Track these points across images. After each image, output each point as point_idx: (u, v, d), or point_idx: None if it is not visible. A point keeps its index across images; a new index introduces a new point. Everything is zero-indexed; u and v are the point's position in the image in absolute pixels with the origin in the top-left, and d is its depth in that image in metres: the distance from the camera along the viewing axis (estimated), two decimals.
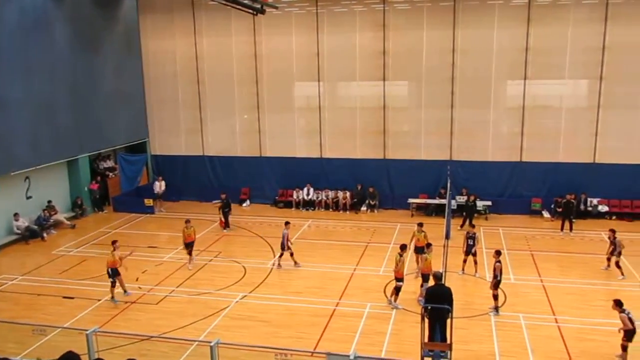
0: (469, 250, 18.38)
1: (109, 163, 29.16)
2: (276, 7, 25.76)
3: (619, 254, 18.14)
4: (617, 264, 18.12)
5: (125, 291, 17.06)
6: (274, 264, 19.78)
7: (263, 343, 13.66)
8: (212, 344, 9.62)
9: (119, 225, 25.18)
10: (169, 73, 29.27)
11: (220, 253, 21.15)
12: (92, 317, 15.66)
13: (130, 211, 26.95)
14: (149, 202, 27.01)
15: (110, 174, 28.75)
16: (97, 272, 18.99)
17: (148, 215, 26.73)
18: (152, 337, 13.54)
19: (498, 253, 15.88)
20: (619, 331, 12.93)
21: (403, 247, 16.45)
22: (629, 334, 12.81)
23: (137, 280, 18.41)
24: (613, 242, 18.30)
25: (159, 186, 27.88)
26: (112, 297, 16.74)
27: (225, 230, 23.95)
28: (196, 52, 28.60)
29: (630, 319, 12.73)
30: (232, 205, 25.24)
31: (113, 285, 16.77)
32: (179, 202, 28.85)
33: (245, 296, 17.08)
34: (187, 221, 19.87)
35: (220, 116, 29.18)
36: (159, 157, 30.34)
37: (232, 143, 29.20)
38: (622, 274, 18.00)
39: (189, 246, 19.60)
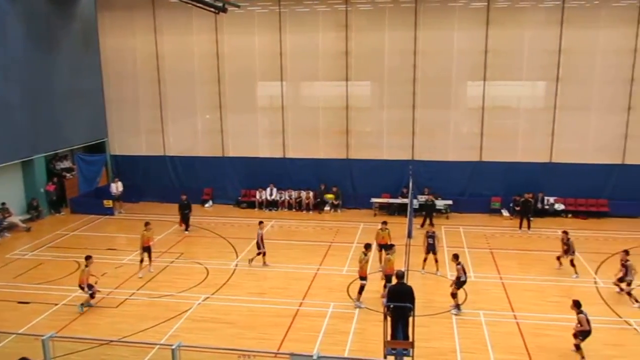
0: (430, 249, 18.62)
1: (66, 163, 28.46)
2: (238, 6, 25.58)
3: (573, 252, 18.58)
4: (572, 263, 18.56)
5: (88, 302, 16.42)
6: (251, 260, 19.66)
7: (226, 345, 13.57)
8: (173, 347, 9.50)
9: (77, 228, 24.61)
10: (129, 71, 28.74)
11: (182, 254, 20.90)
12: (48, 322, 15.26)
13: (88, 213, 26.35)
14: (108, 203, 26.48)
15: (68, 174, 28.06)
16: (54, 276, 18.59)
17: (107, 216, 26.20)
18: (111, 341, 13.28)
19: (456, 257, 16.20)
20: (575, 330, 13.15)
21: (367, 247, 16.61)
22: (584, 334, 13.06)
23: (95, 283, 17.95)
24: (567, 243, 18.73)
25: (116, 187, 27.31)
26: (82, 304, 16.16)
27: (186, 232, 23.62)
28: (157, 50, 28.17)
29: (587, 320, 13.00)
30: (195, 206, 24.96)
31: (92, 296, 16.26)
32: (140, 203, 28.39)
33: (207, 298, 16.91)
34: (147, 224, 19.42)
35: (182, 116, 28.81)
36: (118, 157, 29.75)
37: (194, 143, 28.87)
38: (576, 272, 18.46)
39: (147, 250, 18.96)
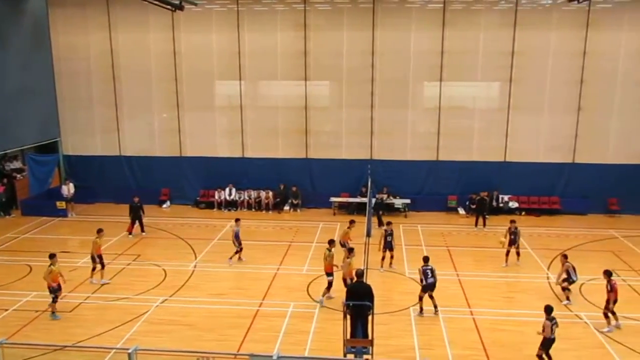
0: (387, 246, 18.89)
1: (17, 164, 27.59)
2: (195, 4, 25.28)
3: (518, 245, 19.14)
4: (517, 253, 19.20)
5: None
6: (231, 258, 19.79)
7: (185, 347, 13.44)
8: (130, 351, 9.32)
9: (28, 230, 23.89)
10: (83, 69, 28.03)
11: (139, 256, 20.54)
12: None
13: (40, 215, 25.61)
14: (61, 204, 25.80)
15: (18, 175, 27.21)
16: (4, 281, 18.04)
17: (60, 218, 25.53)
18: (65, 346, 12.93)
19: (425, 259, 15.98)
20: (539, 333, 13.09)
21: (331, 242, 16.76)
22: (547, 342, 12.91)
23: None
24: (513, 232, 19.22)
25: (67, 189, 26.60)
26: (53, 312, 15.55)
27: (130, 236, 22.94)
28: (111, 48, 27.58)
29: (552, 328, 12.82)
30: (152, 206, 24.56)
31: (54, 300, 15.52)
32: (95, 205, 27.77)
33: (165, 300, 16.68)
34: (99, 230, 18.43)
35: (138, 115, 28.28)
36: (72, 157, 28.97)
37: (150, 143, 28.39)
38: (518, 260, 19.28)
39: (99, 258, 17.98)
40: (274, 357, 9.01)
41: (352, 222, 19.69)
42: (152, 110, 28.13)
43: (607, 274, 14.96)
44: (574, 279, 16.53)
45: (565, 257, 16.91)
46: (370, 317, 12.21)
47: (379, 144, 26.91)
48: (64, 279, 16.13)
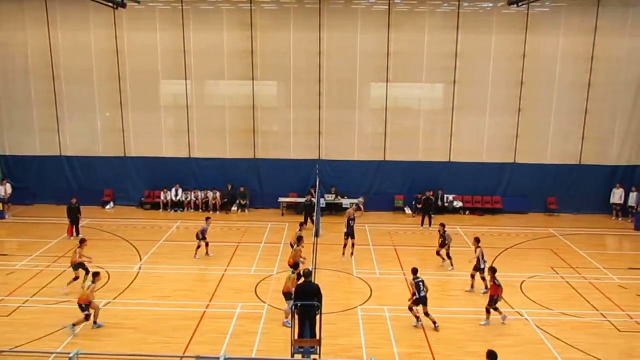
0: (349, 232, 19.75)
1: None
2: (138, 2, 24.76)
3: (449, 246, 19.48)
4: (448, 255, 19.49)
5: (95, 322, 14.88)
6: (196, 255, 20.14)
7: (130, 351, 13.15)
8: (71, 355, 9.03)
9: None
10: (20, 67, 26.94)
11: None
12: None
13: None
14: None
15: None
16: None
17: None
18: (2, 352, 12.42)
19: (415, 271, 15.43)
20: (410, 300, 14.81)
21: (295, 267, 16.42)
22: (417, 300, 14.75)
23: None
24: (443, 235, 19.61)
25: (4, 190, 25.61)
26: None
27: (72, 238, 22.18)
28: (50, 45, 26.62)
29: (419, 287, 14.78)
30: (95, 208, 23.89)
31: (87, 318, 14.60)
32: (34, 206, 26.81)
33: (109, 303, 16.25)
34: (82, 241, 17.66)
35: (80, 114, 27.41)
36: (9, 157, 27.84)
37: (93, 143, 27.58)
38: (452, 265, 19.47)
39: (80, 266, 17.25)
40: (221, 359, 8.92)
41: (302, 224, 19.68)
42: (95, 110, 27.31)
43: (492, 270, 15.40)
44: (482, 266, 17.12)
45: (477, 240, 17.47)
46: (318, 317, 12.24)
47: (327, 144, 27.03)
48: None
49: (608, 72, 25.81)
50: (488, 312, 15.23)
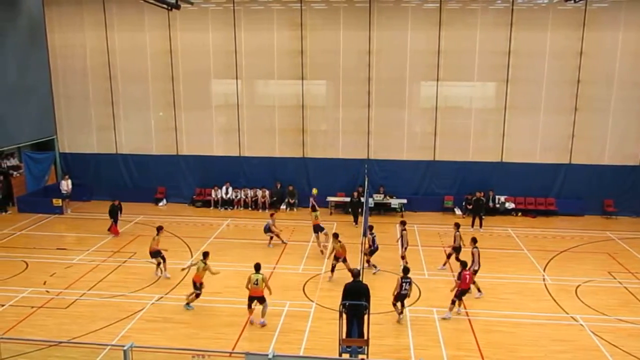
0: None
1: (13, 161, 27.55)
2: (191, 3, 25.27)
3: (460, 247, 18.94)
4: (457, 258, 18.61)
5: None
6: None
7: (180, 345, 13.44)
8: (125, 348, 9.33)
9: (24, 227, 23.84)
10: (79, 68, 27.99)
11: (135, 254, 20.49)
12: None
13: (36, 212, 25.58)
14: (57, 202, 25.77)
15: (15, 172, 27.17)
16: (0, 277, 17.95)
17: (56, 215, 25.50)
18: (60, 342, 12.92)
19: (405, 270, 15.62)
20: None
21: (336, 236, 18.35)
22: (399, 296, 15.07)
23: (44, 283, 17.54)
24: (455, 235, 19.16)
25: (66, 185, 26.60)
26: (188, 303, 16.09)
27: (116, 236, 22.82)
28: (107, 46, 27.52)
29: (402, 286, 14.95)
30: (148, 205, 24.51)
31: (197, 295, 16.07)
32: (90, 202, 27.72)
33: (161, 298, 16.66)
34: (159, 228, 18.81)
35: (135, 113, 28.23)
36: (68, 155, 28.92)
37: (147, 141, 28.33)
38: (446, 265, 19.17)
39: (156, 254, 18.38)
40: (269, 356, 9.01)
41: (335, 235, 19.12)
42: (149, 109, 28.07)
43: (463, 264, 15.73)
44: (476, 268, 16.73)
45: (474, 240, 17.11)
46: (366, 317, 12.21)
47: (375, 144, 26.90)
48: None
49: None
50: (453, 303, 15.45)
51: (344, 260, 17.97)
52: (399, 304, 15.33)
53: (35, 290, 16.77)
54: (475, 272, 16.75)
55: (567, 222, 25.19)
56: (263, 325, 14.84)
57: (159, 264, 18.38)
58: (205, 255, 16.13)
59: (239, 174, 27.69)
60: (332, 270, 18.17)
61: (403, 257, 18.99)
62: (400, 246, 19.31)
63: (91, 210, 26.45)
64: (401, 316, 15.33)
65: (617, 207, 25.79)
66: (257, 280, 14.90)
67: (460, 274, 15.49)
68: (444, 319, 15.35)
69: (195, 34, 26.95)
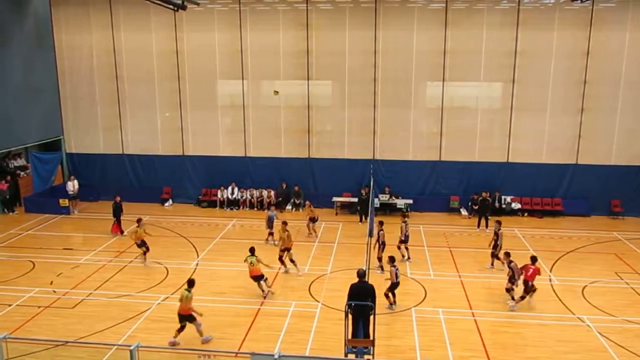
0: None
1: (20, 161, 27.66)
2: (197, 4, 25.31)
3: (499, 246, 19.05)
4: (496, 255, 19.01)
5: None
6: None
7: (186, 345, 13.46)
8: (131, 348, 9.35)
9: (31, 227, 23.95)
10: (85, 68, 28.10)
11: (141, 254, 20.52)
12: (1, 322, 14.81)
13: (43, 212, 25.69)
14: (64, 202, 25.86)
15: (22, 173, 27.29)
16: (7, 277, 18.06)
17: (63, 216, 25.60)
18: (67, 342, 12.96)
19: (392, 259, 16.15)
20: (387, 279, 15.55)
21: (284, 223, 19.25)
22: (393, 286, 15.56)
23: (51, 283, 17.61)
24: (497, 232, 19.23)
25: (72, 185, 26.68)
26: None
27: (124, 235, 22.79)
28: (114, 47, 27.62)
29: (396, 274, 15.54)
30: (154, 205, 24.56)
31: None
32: (97, 202, 27.81)
33: (167, 298, 16.69)
34: (139, 220, 20.09)
35: (141, 113, 28.31)
36: (74, 155, 29.04)
37: (153, 141, 28.41)
38: (492, 263, 19.25)
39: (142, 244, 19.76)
40: (275, 356, 9.02)
41: (284, 223, 19.60)
42: (155, 109, 28.15)
43: (532, 259, 16.33)
44: (517, 279, 16.21)
45: (507, 254, 16.74)
46: (371, 317, 12.20)
47: (381, 144, 26.88)
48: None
49: None
50: (387, 296, 15.95)
51: (288, 250, 18.61)
52: (391, 295, 15.80)
53: (42, 290, 16.84)
54: (514, 282, 16.23)
55: (574, 223, 25.09)
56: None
57: (144, 253, 19.48)
58: (191, 284, 14.23)
59: (245, 174, 27.72)
60: (280, 259, 18.78)
61: (379, 259, 18.80)
62: (377, 247, 18.97)
63: (98, 210, 26.52)
64: (394, 306, 15.72)
65: (624, 207, 25.67)
66: (251, 261, 16.55)
67: (525, 266, 16.01)
68: (511, 309, 15.87)
69: (201, 35, 27.01)
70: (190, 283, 14.21)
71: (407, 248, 19.98)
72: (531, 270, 15.92)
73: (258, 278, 16.64)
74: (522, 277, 15.98)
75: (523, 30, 25.11)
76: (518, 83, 25.64)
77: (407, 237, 19.93)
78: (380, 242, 18.89)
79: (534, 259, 16.28)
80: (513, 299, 16.09)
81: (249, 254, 16.78)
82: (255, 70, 27.05)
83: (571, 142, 25.87)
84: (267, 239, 21.91)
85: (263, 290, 16.75)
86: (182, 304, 13.84)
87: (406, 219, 20.31)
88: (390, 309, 15.68)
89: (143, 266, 19.37)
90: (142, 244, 19.53)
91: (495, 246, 19.23)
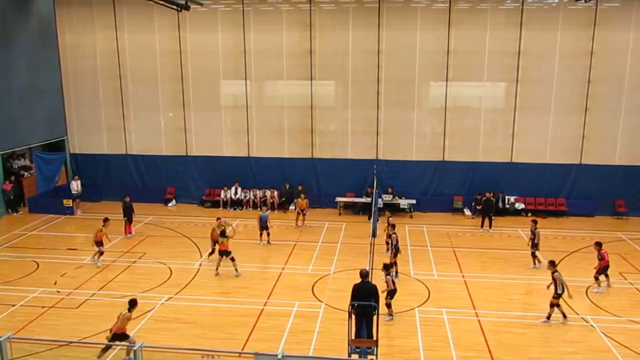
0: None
1: (24, 162, 27.74)
2: (201, 4, 25.34)
3: (537, 245, 19.12)
4: (535, 255, 19.13)
5: None
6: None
7: (190, 345, 13.47)
8: (135, 348, 9.37)
9: (35, 227, 24.01)
10: (89, 68, 28.16)
11: (145, 254, 20.58)
12: (5, 323, 14.86)
13: (47, 212, 25.74)
14: (67, 202, 25.92)
15: (26, 173, 27.37)
16: (11, 277, 18.11)
17: (67, 216, 25.65)
18: (71, 342, 12.99)
19: (386, 267, 15.50)
20: (548, 288, 15.39)
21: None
22: (392, 293, 14.99)
23: (55, 284, 17.64)
24: (533, 231, 19.21)
25: (76, 185, 26.77)
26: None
27: (131, 235, 22.91)
28: (118, 47, 27.68)
29: (393, 281, 15.07)
30: (157, 205, 24.59)
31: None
32: (101, 203, 27.86)
33: (170, 298, 16.71)
34: (105, 220, 20.10)
35: (144, 114, 28.36)
36: (78, 155, 29.11)
37: (156, 141, 28.45)
38: (535, 263, 19.27)
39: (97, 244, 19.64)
40: (279, 356, 9.01)
41: (218, 218, 20.31)
42: (158, 109, 28.20)
43: (597, 244, 17.30)
44: (559, 291, 15.06)
45: (552, 264, 15.37)
46: (375, 318, 12.19)
47: (384, 144, 26.86)
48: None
49: None
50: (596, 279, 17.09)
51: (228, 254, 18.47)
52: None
53: (46, 290, 16.87)
54: (559, 295, 14.99)
55: (578, 223, 25.03)
56: None
57: (101, 253, 19.46)
58: (132, 303, 13.13)
59: (248, 174, 27.74)
60: (213, 252, 19.49)
61: (393, 264, 18.26)
62: (390, 251, 18.83)
63: (101, 210, 26.51)
64: (393, 317, 15.27)
65: (628, 207, 25.60)
66: (222, 240, 18.34)
67: (599, 253, 17.11)
68: (596, 292, 17.04)
69: (205, 35, 27.04)
70: (132, 303, 13.05)
71: (395, 263, 18.19)
72: (607, 255, 17.09)
73: (225, 253, 18.21)
74: (600, 265, 17.12)
75: (527, 30, 25.07)
76: (522, 83, 25.60)
77: (397, 248, 18.48)
78: (393, 246, 18.45)
79: (599, 244, 17.32)
80: (600, 284, 17.28)
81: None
82: (258, 70, 27.07)
83: (575, 142, 25.82)
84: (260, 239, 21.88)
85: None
86: (117, 322, 12.73)
87: (395, 229, 18.97)
88: (390, 320, 15.13)
89: (147, 266, 19.39)
90: (100, 244, 19.43)
91: (534, 245, 19.22)
